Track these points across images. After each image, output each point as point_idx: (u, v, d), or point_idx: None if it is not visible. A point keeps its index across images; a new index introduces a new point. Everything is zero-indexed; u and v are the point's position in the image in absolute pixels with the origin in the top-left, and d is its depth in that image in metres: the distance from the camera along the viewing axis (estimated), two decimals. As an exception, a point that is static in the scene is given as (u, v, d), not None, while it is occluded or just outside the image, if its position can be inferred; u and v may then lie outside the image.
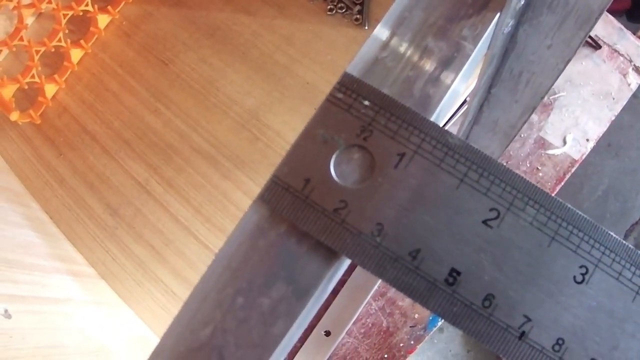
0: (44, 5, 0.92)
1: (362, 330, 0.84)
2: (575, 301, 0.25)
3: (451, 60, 0.29)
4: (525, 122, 0.50)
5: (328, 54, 0.90)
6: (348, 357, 0.83)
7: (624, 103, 0.89)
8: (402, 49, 0.29)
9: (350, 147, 0.27)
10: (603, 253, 0.25)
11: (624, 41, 0.92)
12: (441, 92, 0.29)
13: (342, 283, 0.83)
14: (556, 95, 0.88)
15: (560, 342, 0.24)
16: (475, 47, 0.29)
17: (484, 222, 0.25)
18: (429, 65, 0.29)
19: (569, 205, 0.26)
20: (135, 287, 0.87)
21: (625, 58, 0.91)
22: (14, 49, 0.95)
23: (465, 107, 0.53)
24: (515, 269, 0.25)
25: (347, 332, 0.83)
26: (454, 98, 0.30)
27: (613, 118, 0.88)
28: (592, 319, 0.24)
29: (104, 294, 0.86)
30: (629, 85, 0.90)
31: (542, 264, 0.25)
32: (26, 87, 0.93)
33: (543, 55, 0.39)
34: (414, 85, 0.29)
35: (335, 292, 0.83)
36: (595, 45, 0.91)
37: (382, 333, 0.83)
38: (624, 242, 0.25)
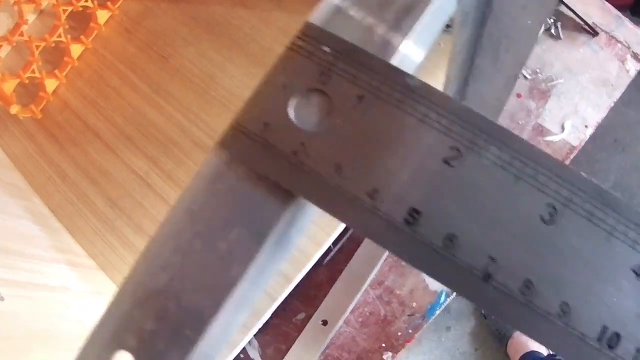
0: (44, 1, 0.93)
1: (360, 319, 0.83)
2: (543, 242, 0.24)
3: (411, 9, 0.29)
4: (509, 94, 0.49)
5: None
6: (345, 347, 0.82)
7: (623, 90, 0.88)
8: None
9: (309, 91, 0.26)
10: (573, 193, 0.24)
11: (622, 28, 0.91)
12: (400, 40, 0.28)
13: (339, 272, 0.83)
14: (554, 82, 0.88)
15: (528, 284, 0.23)
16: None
17: (445, 160, 0.25)
18: (389, 14, 0.29)
19: (536, 147, 0.25)
20: (134, 278, 0.87)
21: (623, 45, 0.90)
22: (15, 44, 0.96)
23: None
24: (479, 208, 0.24)
25: (344, 321, 0.83)
26: (417, 53, 0.30)
27: (612, 105, 0.88)
28: (563, 260, 0.24)
29: (103, 284, 0.86)
30: (628, 71, 0.89)
31: (507, 203, 0.24)
32: (27, 81, 0.94)
33: (518, 16, 0.39)
34: (374, 33, 0.28)
35: (332, 281, 0.82)
36: (592, 32, 0.90)
37: (380, 322, 0.83)
38: (596, 182, 0.24)
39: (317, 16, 0.29)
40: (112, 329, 0.26)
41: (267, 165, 0.25)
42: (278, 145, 0.26)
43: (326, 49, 0.27)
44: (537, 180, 0.24)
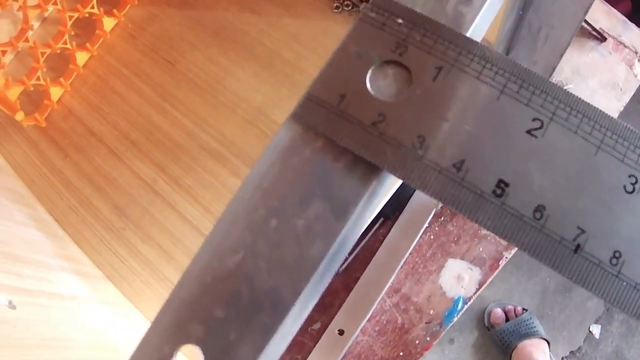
0: (49, 6, 0.92)
1: (377, 328, 0.82)
2: (629, 211, 0.23)
3: None
4: None
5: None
6: (363, 356, 0.81)
7: (632, 93, 0.89)
8: None
9: (386, 62, 0.25)
10: (653, 163, 0.24)
11: (629, 32, 0.92)
12: (474, 11, 0.27)
13: (355, 280, 0.81)
14: (565, 87, 0.87)
15: (617, 255, 0.23)
16: None
17: (528, 132, 0.24)
18: None
19: (612, 116, 0.24)
20: (143, 288, 0.85)
21: (631, 50, 0.91)
22: (19, 49, 0.94)
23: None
24: (565, 178, 0.23)
25: (361, 330, 0.81)
26: (486, 20, 0.29)
27: (622, 109, 0.88)
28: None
29: (112, 295, 0.84)
30: (636, 76, 0.89)
31: (591, 172, 0.23)
32: (32, 89, 0.92)
33: (563, 3, 0.38)
34: (447, 5, 0.27)
35: (348, 289, 0.81)
36: (600, 37, 0.90)
37: (397, 330, 0.81)
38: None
39: None
40: (176, 320, 0.24)
41: (346, 137, 0.24)
42: (357, 116, 0.24)
43: (400, 20, 0.26)
44: (616, 150, 0.24)
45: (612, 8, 0.94)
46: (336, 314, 0.80)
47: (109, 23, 0.99)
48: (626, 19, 0.94)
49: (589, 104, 0.25)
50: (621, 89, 0.90)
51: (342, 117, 0.25)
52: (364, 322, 0.80)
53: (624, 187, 0.23)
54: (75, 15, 0.94)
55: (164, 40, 0.97)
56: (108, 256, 0.87)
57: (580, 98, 0.25)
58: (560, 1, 0.39)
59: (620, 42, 0.92)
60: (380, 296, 0.79)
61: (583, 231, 0.23)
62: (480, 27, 0.29)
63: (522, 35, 0.43)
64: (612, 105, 0.89)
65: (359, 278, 0.80)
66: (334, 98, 0.25)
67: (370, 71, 0.25)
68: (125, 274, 0.86)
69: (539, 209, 0.23)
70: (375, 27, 0.26)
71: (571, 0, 0.38)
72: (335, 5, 0.91)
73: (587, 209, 0.23)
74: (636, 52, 0.91)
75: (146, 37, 0.98)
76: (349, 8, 0.91)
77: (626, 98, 0.90)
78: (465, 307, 0.82)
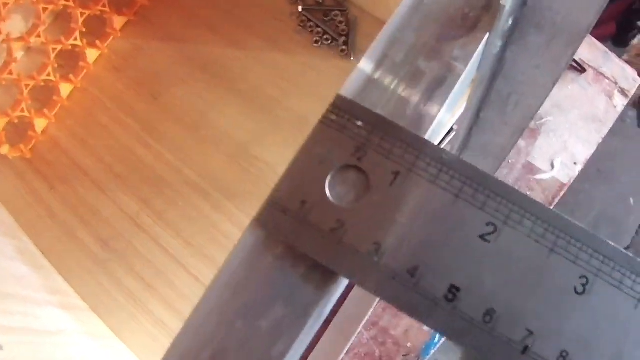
0: (32, 39, 0.93)
1: (356, 360, 0.83)
2: (577, 312, 0.24)
3: (443, 80, 0.29)
4: (515, 144, 0.50)
5: (319, 85, 0.90)
6: (342, 388, 0.82)
7: (611, 125, 0.90)
8: (394, 70, 0.30)
9: (345, 167, 0.27)
10: (602, 262, 0.25)
11: (609, 63, 0.93)
12: (434, 112, 0.29)
13: (333, 313, 0.83)
14: (543, 120, 0.89)
15: (564, 354, 0.24)
16: (466, 67, 0.30)
17: (481, 236, 0.25)
18: (421, 86, 0.29)
19: (566, 217, 0.26)
20: (127, 319, 0.86)
21: (611, 80, 0.92)
22: (4, 83, 0.95)
23: (453, 134, 0.54)
24: (515, 282, 0.25)
25: (340, 362, 0.82)
26: (446, 119, 0.31)
27: (600, 141, 0.89)
28: (595, 329, 0.24)
29: (97, 327, 0.85)
30: (615, 107, 0.91)
31: (543, 275, 0.25)
32: (16, 120, 0.93)
33: (531, 75, 0.40)
34: (407, 106, 0.29)
35: (326, 323, 0.82)
36: (580, 69, 0.92)
37: (375, 362, 0.83)
38: (623, 250, 0.25)
39: (348, 87, 0.30)
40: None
41: (306, 244, 0.26)
42: (317, 223, 0.26)
43: (359, 123, 0.27)
44: (568, 251, 0.25)
45: (593, 38, 0.96)
46: (314, 347, 0.81)
47: (92, 55, 1.00)
48: (607, 49, 0.96)
49: (543, 206, 0.26)
50: (601, 121, 0.91)
51: (303, 224, 0.26)
52: (342, 355, 0.81)
53: (575, 288, 0.25)
54: (59, 47, 0.95)
55: (148, 73, 0.98)
56: (92, 287, 0.88)
57: (535, 201, 0.26)
58: (529, 72, 0.41)
59: (601, 73, 0.94)
60: (359, 329, 0.81)
61: (531, 333, 0.24)
62: (442, 122, 0.31)
63: (491, 99, 0.45)
64: (591, 137, 0.91)
65: (337, 312, 0.81)
66: (296, 204, 0.26)
67: (329, 176, 0.27)
68: (110, 305, 0.87)
69: (489, 312, 0.24)
70: (336, 130, 0.27)
71: (540, 73, 0.40)
72: (314, 39, 0.93)
73: (537, 311, 0.24)
74: (616, 83, 0.93)
75: (130, 70, 0.99)
76: (329, 42, 0.93)
77: (605, 130, 0.91)
78: (443, 339, 0.84)
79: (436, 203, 0.26)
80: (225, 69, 0.95)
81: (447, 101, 0.29)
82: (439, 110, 0.29)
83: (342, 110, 0.28)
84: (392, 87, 0.30)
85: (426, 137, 0.28)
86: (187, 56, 0.97)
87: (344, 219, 0.26)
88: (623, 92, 0.92)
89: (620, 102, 0.91)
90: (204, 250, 0.86)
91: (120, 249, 0.89)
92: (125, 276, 0.88)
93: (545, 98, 0.43)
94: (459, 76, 0.29)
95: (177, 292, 0.85)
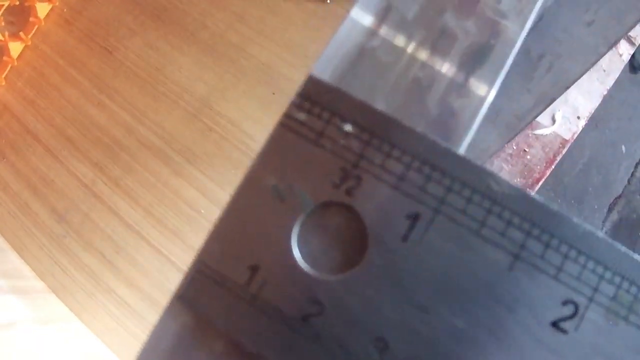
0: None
1: None
2: None
3: (487, 50, 0.18)
4: (537, 116, 0.40)
5: (285, 31, 0.80)
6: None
7: (617, 75, 0.80)
8: (405, 29, 0.18)
9: (324, 206, 0.16)
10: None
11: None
12: (474, 106, 0.18)
13: None
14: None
15: None
16: (522, 29, 0.18)
17: (554, 323, 0.15)
18: (451, 59, 0.18)
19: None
20: (87, 299, 0.79)
21: (617, 27, 0.81)
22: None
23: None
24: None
25: None
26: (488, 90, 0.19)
27: (605, 92, 0.79)
28: None
29: (54, 310, 0.78)
30: (621, 55, 0.80)
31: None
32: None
33: (578, 33, 0.30)
34: (428, 95, 0.18)
35: None
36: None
37: None
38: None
39: (325, 63, 0.18)
40: None
41: (261, 340, 0.16)
42: (277, 305, 0.16)
43: (348, 127, 0.17)
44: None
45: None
46: None
47: (43, 9, 0.91)
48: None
49: None
50: (604, 71, 0.81)
51: (254, 305, 0.16)
52: None
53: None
54: (6, 3, 0.87)
55: (100, 25, 0.89)
56: (49, 266, 0.81)
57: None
58: (575, 30, 0.31)
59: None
60: None
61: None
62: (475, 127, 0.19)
63: (515, 61, 0.35)
64: (594, 88, 0.81)
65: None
66: (241, 273, 0.16)
67: (298, 223, 0.16)
68: (68, 284, 0.80)
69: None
70: (308, 139, 0.16)
71: (590, 31, 0.30)
72: (283, -23, 0.83)
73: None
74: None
75: (82, 22, 0.90)
76: (298, -20, 0.82)
77: (610, 81, 0.81)
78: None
79: (483, 268, 0.16)
80: (182, 15, 0.85)
81: (496, 85, 0.18)
82: (482, 103, 0.18)
83: (318, 105, 0.17)
84: (402, 63, 0.18)
85: (462, 150, 0.17)
86: (141, 4, 0.88)
87: (323, 298, 0.16)
88: (630, 40, 0.81)
89: (627, 51, 0.80)
90: (166, 220, 0.78)
91: (76, 222, 0.81)
92: (83, 252, 0.80)
93: (592, 66, 0.33)
94: (513, 43, 0.18)
95: (139, 267, 0.78)
